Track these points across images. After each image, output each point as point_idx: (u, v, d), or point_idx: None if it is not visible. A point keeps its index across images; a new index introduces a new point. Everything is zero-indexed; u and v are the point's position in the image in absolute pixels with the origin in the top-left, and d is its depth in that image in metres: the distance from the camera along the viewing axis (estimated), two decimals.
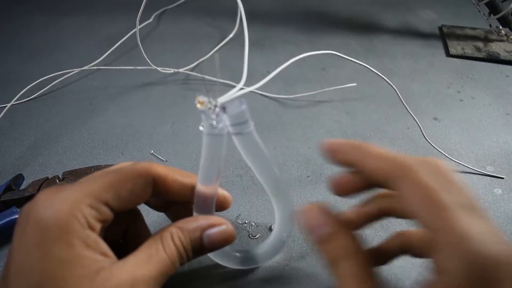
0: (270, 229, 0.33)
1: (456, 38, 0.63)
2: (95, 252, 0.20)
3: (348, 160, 0.22)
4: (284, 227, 0.28)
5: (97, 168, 0.38)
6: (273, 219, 0.34)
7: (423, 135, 0.44)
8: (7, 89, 0.50)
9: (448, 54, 0.59)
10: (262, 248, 0.29)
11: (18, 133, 0.44)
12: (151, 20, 0.68)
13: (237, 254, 0.29)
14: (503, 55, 0.58)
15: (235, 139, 0.23)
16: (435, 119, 0.46)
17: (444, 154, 0.41)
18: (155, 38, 0.64)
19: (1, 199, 0.34)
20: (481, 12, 0.58)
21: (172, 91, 0.51)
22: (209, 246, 0.23)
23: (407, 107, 0.46)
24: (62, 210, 0.20)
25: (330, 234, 0.21)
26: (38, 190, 0.35)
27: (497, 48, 0.60)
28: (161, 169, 0.24)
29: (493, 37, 0.62)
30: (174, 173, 0.25)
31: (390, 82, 0.48)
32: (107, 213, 0.21)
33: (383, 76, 0.48)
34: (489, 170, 0.39)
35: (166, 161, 0.40)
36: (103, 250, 0.20)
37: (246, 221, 0.34)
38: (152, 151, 0.42)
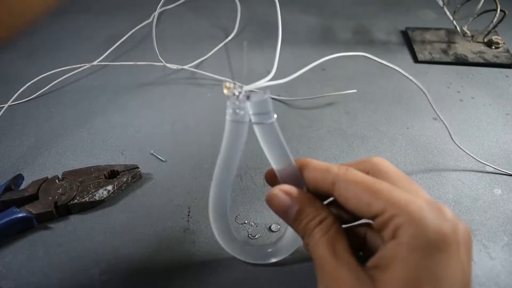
0: (270, 229, 0.33)
1: (422, 42, 0.61)
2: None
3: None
4: None
5: (97, 168, 0.38)
6: (273, 219, 0.34)
7: (424, 135, 0.44)
8: (6, 89, 0.50)
9: (416, 60, 0.57)
10: (281, 242, 0.29)
11: (18, 133, 0.44)
12: (150, 19, 0.68)
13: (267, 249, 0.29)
14: (471, 57, 0.57)
15: (256, 129, 0.24)
16: (435, 119, 0.46)
17: (443, 154, 0.41)
18: (155, 37, 0.64)
19: (1, 199, 0.34)
20: (447, 13, 0.57)
21: (172, 91, 0.51)
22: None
23: (411, 107, 0.46)
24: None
25: (297, 212, 0.23)
26: (38, 190, 0.35)
27: (463, 49, 0.59)
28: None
29: (457, 38, 0.61)
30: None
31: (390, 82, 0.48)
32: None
33: (406, 76, 0.47)
34: (489, 170, 0.39)
35: (166, 161, 0.40)
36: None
37: (246, 221, 0.34)
38: (152, 151, 0.42)
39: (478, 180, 0.38)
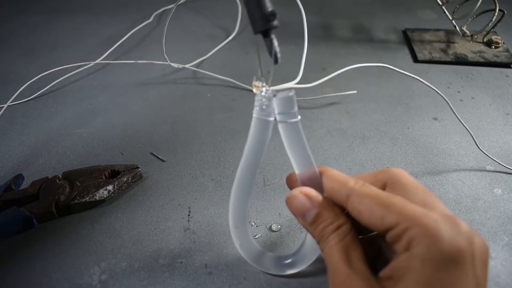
0: (271, 229, 0.33)
1: (421, 42, 0.61)
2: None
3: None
4: None
5: (97, 168, 0.38)
6: (273, 219, 0.34)
7: (425, 136, 0.44)
8: (6, 89, 0.50)
9: (416, 60, 0.58)
10: (300, 252, 0.29)
11: (18, 133, 0.44)
12: (151, 19, 0.68)
13: (285, 260, 0.29)
14: (471, 56, 0.57)
15: (280, 127, 0.25)
16: (435, 119, 0.46)
17: (443, 154, 0.41)
18: (154, 37, 0.64)
19: (1, 199, 0.34)
20: (446, 12, 0.57)
21: (172, 91, 0.51)
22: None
23: (411, 107, 0.46)
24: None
25: (316, 215, 0.23)
26: (38, 190, 0.35)
27: (463, 49, 0.59)
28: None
29: (457, 37, 0.61)
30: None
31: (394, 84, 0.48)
32: None
33: (414, 77, 0.47)
34: (489, 170, 0.39)
35: (166, 161, 0.40)
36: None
37: None
38: (152, 151, 0.42)
39: (478, 180, 0.38)
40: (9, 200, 0.34)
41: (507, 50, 0.58)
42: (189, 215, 0.35)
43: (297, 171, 0.26)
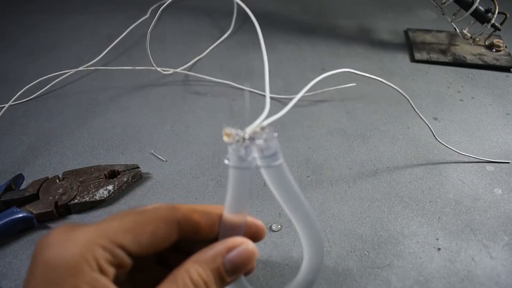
0: (271, 229, 0.33)
1: (422, 43, 0.61)
2: None
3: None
4: (314, 266, 0.26)
5: (97, 168, 0.38)
6: (273, 219, 0.34)
7: (425, 135, 0.44)
8: (7, 89, 0.50)
9: (413, 59, 0.58)
10: None
11: (18, 133, 0.44)
12: (147, 15, 0.68)
13: None
14: (469, 58, 0.57)
15: (264, 172, 0.22)
16: (435, 119, 0.46)
17: (443, 154, 0.41)
18: (153, 36, 0.64)
19: (1, 199, 0.34)
20: (445, 14, 0.56)
21: (172, 91, 0.51)
22: (233, 271, 0.21)
23: (411, 107, 0.46)
24: (71, 251, 0.19)
25: None
26: (38, 190, 0.35)
27: (463, 51, 0.59)
28: (185, 207, 0.22)
29: (459, 40, 0.61)
30: (199, 207, 0.23)
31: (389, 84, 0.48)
32: (123, 258, 0.20)
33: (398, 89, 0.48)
34: (489, 169, 0.39)
35: (166, 161, 0.40)
36: None
37: None
38: (152, 151, 0.42)
39: (478, 180, 0.38)
40: (9, 200, 0.34)
41: (509, 54, 0.58)
42: None
43: (290, 214, 0.23)
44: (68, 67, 0.54)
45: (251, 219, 0.25)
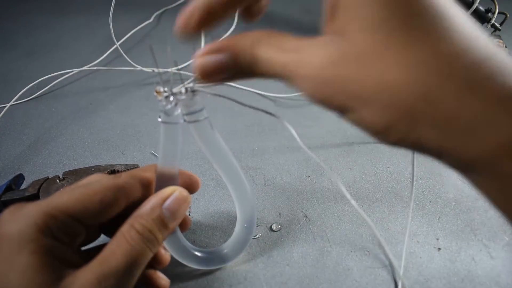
0: (271, 229, 0.33)
1: None
2: (61, 261, 0.20)
3: None
4: (244, 215, 0.29)
5: (97, 168, 0.38)
6: (273, 219, 0.34)
7: None
8: (7, 89, 0.50)
9: None
10: (227, 246, 0.29)
11: (18, 133, 0.44)
12: (151, 20, 0.68)
13: (198, 253, 0.28)
14: None
15: (191, 128, 0.24)
16: None
17: None
18: (155, 37, 0.64)
19: (1, 199, 0.34)
20: None
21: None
22: (173, 218, 0.23)
23: None
24: (24, 222, 0.20)
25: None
26: (39, 190, 0.35)
27: None
28: (124, 174, 0.24)
29: None
30: (136, 171, 0.25)
31: None
32: (76, 226, 0.22)
33: None
34: None
35: None
36: (71, 260, 0.21)
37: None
38: (152, 151, 0.42)
39: None
40: (9, 200, 0.34)
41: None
42: (189, 215, 0.35)
43: (217, 167, 0.26)
44: (69, 67, 0.54)
45: (186, 172, 0.27)
